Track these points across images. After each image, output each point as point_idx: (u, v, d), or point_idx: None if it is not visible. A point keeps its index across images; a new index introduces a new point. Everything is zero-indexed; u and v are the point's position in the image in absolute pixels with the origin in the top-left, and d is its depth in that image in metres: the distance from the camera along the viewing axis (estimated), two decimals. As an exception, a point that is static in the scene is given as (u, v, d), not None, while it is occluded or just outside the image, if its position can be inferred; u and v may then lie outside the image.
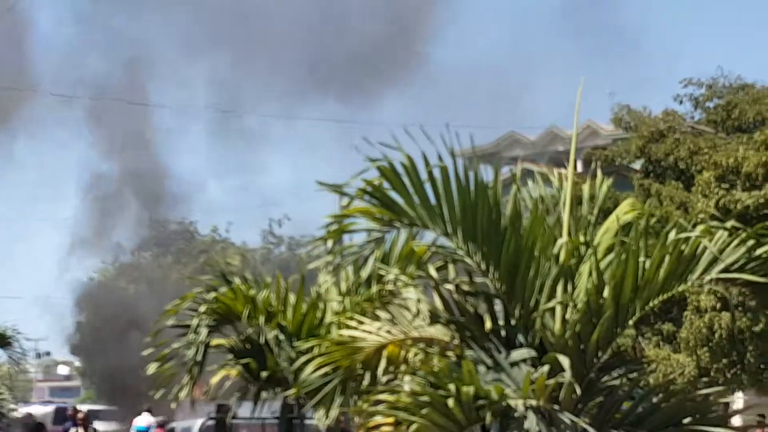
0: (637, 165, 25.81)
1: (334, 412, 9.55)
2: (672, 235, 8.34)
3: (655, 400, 8.79)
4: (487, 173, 8.93)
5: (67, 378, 71.76)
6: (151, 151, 54.32)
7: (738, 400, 25.02)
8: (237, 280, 12.78)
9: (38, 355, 70.30)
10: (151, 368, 12.74)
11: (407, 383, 8.58)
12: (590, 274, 8.48)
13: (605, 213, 9.42)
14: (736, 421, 16.08)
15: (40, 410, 24.07)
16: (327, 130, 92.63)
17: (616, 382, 8.66)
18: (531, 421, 8.14)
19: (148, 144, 54.67)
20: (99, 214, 55.41)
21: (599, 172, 9.67)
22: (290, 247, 65.77)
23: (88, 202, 55.67)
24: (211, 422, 16.64)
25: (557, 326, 8.52)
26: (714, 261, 8.38)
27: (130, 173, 53.52)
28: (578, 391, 8.36)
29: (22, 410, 23.50)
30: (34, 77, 52.42)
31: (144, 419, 33.99)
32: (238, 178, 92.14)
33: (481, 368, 8.49)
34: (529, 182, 9.48)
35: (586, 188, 9.30)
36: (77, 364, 61.94)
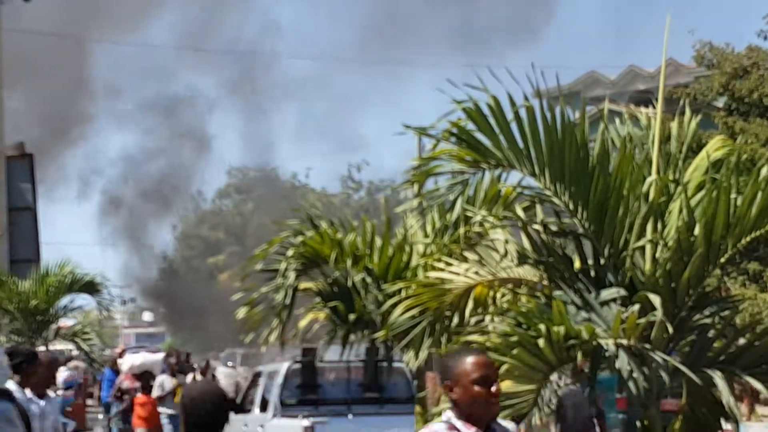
0: (720, 103, 25.39)
1: (423, 353, 9.58)
2: (764, 171, 8.23)
3: (743, 340, 8.71)
4: (570, 113, 8.85)
5: (152, 324, 72.67)
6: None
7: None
8: (323, 224, 12.84)
9: (124, 302, 71.24)
10: (241, 312, 12.89)
11: (497, 324, 8.58)
12: (680, 211, 8.40)
13: (691, 152, 9.31)
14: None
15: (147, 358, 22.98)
16: (414, 76, 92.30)
17: (708, 320, 8.58)
18: (622, 360, 8.10)
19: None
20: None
21: (687, 109, 9.52)
22: (370, 192, 65.98)
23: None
24: (297, 366, 16.73)
25: (647, 265, 8.46)
26: (808, 196, 8.25)
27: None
28: (670, 329, 8.31)
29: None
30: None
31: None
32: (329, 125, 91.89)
33: (571, 308, 8.46)
34: (617, 120, 9.39)
35: (674, 125, 9.19)
36: (162, 310, 62.74)
